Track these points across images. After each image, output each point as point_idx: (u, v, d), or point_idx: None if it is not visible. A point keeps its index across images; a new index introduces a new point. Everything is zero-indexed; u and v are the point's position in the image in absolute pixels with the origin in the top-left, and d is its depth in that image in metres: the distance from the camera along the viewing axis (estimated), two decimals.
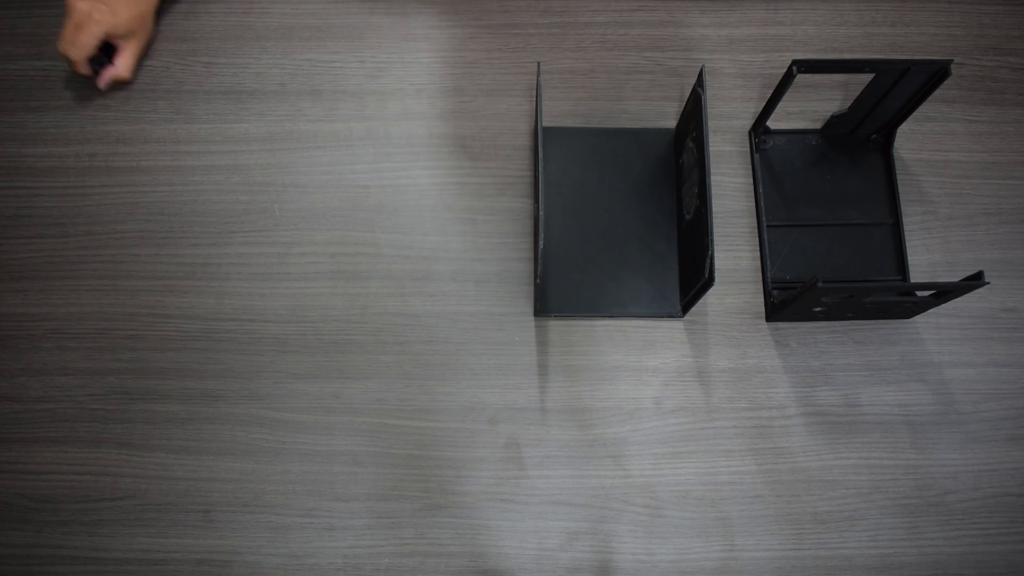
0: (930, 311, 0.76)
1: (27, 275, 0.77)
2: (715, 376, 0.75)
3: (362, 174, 0.80)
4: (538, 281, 0.72)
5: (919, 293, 0.74)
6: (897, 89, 0.72)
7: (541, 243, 0.67)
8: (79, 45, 0.76)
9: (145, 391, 0.74)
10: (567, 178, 0.80)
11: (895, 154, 0.81)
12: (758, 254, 0.78)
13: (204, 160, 0.81)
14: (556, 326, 0.76)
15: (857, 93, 0.74)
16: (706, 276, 0.65)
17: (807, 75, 0.76)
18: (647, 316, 0.76)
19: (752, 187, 0.81)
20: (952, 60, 0.68)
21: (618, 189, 0.80)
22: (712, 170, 0.81)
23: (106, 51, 0.80)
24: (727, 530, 0.71)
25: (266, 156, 0.81)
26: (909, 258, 0.78)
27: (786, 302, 0.72)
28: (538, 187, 0.70)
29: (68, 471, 0.72)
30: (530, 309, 0.77)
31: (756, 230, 0.79)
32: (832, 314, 0.75)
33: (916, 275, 0.78)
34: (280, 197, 0.79)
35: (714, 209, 0.78)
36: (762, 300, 0.77)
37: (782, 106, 0.78)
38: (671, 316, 0.76)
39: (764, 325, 0.77)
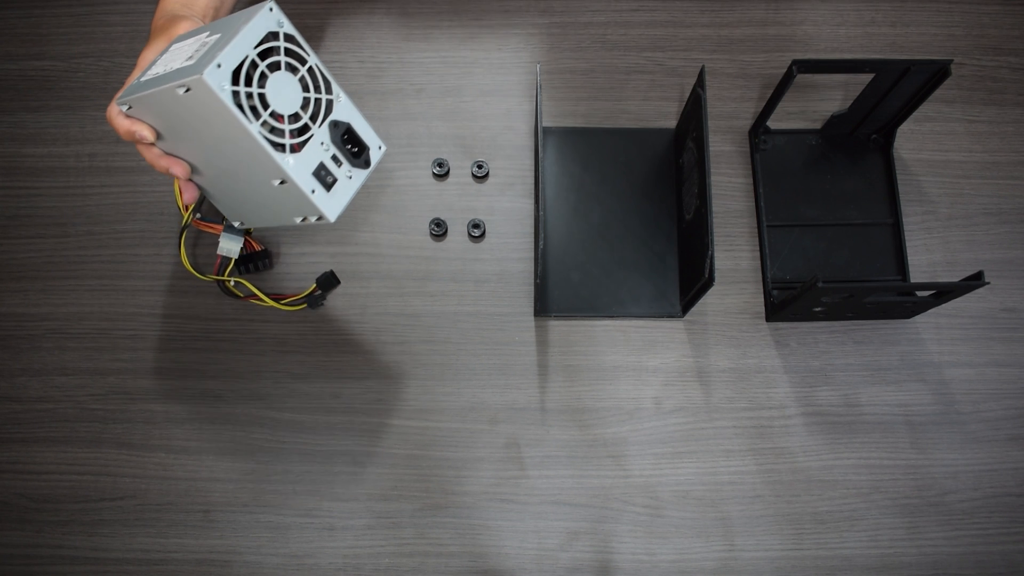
0: (930, 311, 0.76)
1: (27, 275, 0.77)
2: (715, 376, 0.75)
3: None
4: (538, 281, 0.72)
5: (919, 293, 0.74)
6: (897, 89, 0.72)
7: (541, 243, 0.67)
8: None
9: (145, 391, 0.74)
10: (567, 178, 0.80)
11: (895, 154, 0.81)
12: (758, 254, 0.78)
13: None
14: (556, 326, 0.76)
15: (857, 93, 0.74)
16: (706, 276, 0.65)
17: (807, 75, 0.76)
18: (647, 316, 0.76)
19: (752, 187, 0.81)
20: (952, 60, 0.68)
21: (618, 189, 0.80)
22: (712, 170, 0.81)
23: None
24: (727, 530, 0.71)
25: None
26: (909, 258, 0.78)
27: (786, 302, 0.72)
28: (538, 187, 0.70)
29: (68, 471, 0.72)
30: (530, 309, 0.77)
31: (756, 230, 0.79)
32: (832, 314, 0.75)
33: (916, 275, 0.78)
34: None
35: (714, 209, 0.78)
36: (762, 300, 0.77)
37: (782, 106, 0.78)
38: (671, 316, 0.76)
39: (764, 325, 0.77)
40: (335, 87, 0.57)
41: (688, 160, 0.75)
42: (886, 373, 0.75)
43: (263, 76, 0.53)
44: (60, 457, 0.73)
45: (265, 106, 0.53)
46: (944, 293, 0.69)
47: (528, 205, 0.80)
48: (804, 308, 0.73)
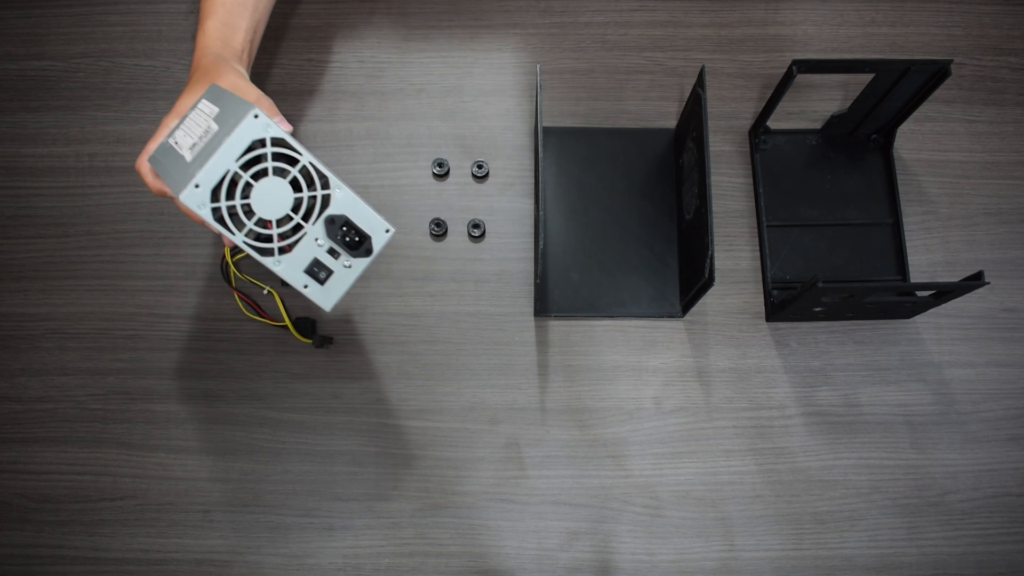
0: (930, 311, 0.76)
1: (27, 275, 0.77)
2: (715, 376, 0.75)
3: (362, 174, 0.80)
4: (538, 281, 0.72)
5: (919, 293, 0.74)
6: (897, 89, 0.72)
7: (541, 243, 0.67)
8: None
9: (145, 391, 0.74)
10: (567, 178, 0.80)
11: (895, 154, 0.81)
12: (758, 254, 0.78)
13: None
14: (556, 326, 0.76)
15: (857, 93, 0.74)
16: (706, 276, 0.65)
17: (807, 75, 0.76)
18: (647, 316, 0.76)
19: (752, 187, 0.81)
20: (952, 60, 0.68)
21: (618, 189, 0.80)
22: (712, 170, 0.81)
23: None
24: (727, 530, 0.71)
25: None
26: (909, 258, 0.78)
27: (786, 302, 0.72)
28: (538, 187, 0.70)
29: (68, 471, 0.72)
30: (530, 309, 0.77)
31: (756, 230, 0.79)
32: (832, 314, 0.75)
33: (916, 275, 0.78)
34: None
35: (714, 209, 0.78)
36: (762, 300, 0.77)
37: (782, 106, 0.78)
38: (671, 316, 0.76)
39: (764, 325, 0.77)
40: (333, 180, 0.55)
41: (688, 160, 0.75)
42: (886, 373, 0.75)
43: (248, 186, 0.52)
44: (60, 457, 0.73)
45: (250, 215, 0.52)
46: (944, 293, 0.69)
47: (528, 205, 0.80)
48: (804, 308, 0.73)
